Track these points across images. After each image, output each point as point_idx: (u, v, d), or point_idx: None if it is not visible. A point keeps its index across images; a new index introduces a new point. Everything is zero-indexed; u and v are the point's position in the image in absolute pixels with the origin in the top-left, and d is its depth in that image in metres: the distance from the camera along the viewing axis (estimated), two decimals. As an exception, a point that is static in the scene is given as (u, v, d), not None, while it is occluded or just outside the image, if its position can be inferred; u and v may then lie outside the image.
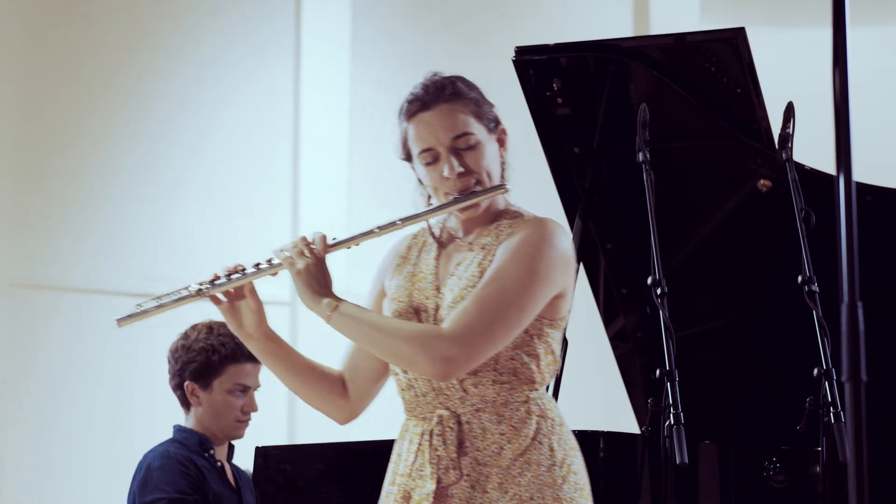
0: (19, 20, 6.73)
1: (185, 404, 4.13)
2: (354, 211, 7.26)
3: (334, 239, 2.71)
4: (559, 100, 3.97)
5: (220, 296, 2.79)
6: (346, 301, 2.67)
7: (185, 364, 4.07)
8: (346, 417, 2.85)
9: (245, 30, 7.26)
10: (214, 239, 7.03)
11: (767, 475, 3.62)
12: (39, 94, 6.79)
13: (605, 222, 4.11)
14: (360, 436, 4.21)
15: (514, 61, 3.93)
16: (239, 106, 7.21)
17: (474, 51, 7.15)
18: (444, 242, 2.80)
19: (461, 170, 2.68)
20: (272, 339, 2.80)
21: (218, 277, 2.77)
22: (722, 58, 3.85)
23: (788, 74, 6.25)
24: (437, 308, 2.69)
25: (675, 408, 3.11)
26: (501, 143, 2.77)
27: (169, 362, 4.13)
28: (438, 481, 2.61)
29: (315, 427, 6.86)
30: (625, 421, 4.53)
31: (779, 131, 3.68)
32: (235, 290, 2.78)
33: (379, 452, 3.78)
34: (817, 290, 3.36)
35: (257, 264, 2.74)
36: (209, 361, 4.05)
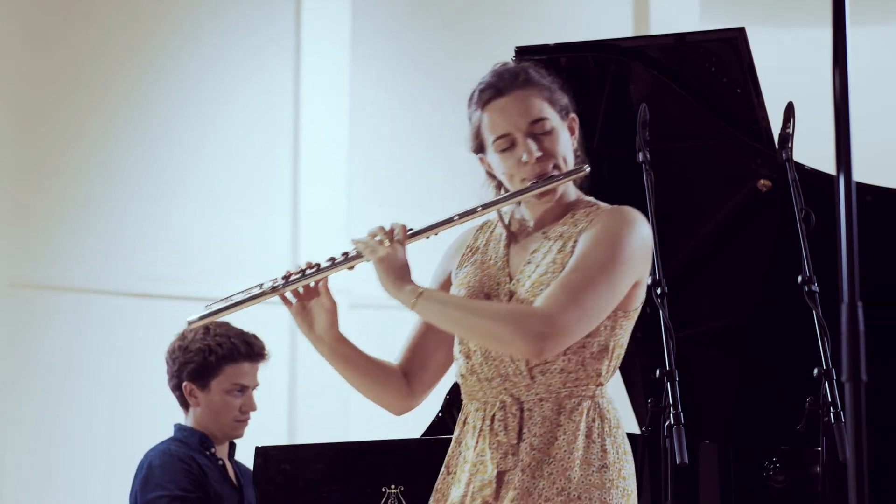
0: (19, 20, 6.73)
1: (184, 404, 4.13)
2: (354, 211, 7.26)
3: (411, 229, 2.68)
4: (559, 100, 3.96)
5: (290, 297, 2.72)
6: (428, 288, 2.66)
7: (183, 365, 4.08)
8: (404, 410, 2.82)
9: (245, 30, 7.26)
10: (214, 239, 7.03)
11: (767, 475, 3.63)
12: (39, 94, 6.79)
13: (605, 222, 4.11)
14: (360, 436, 4.22)
15: (513, 61, 3.93)
16: (239, 106, 7.21)
17: (474, 51, 7.14)
18: (514, 233, 2.77)
19: (539, 154, 2.66)
20: (342, 341, 2.75)
21: (291, 274, 2.70)
22: (722, 58, 3.86)
23: (788, 74, 6.25)
24: (510, 295, 2.66)
25: (675, 408, 3.12)
26: (572, 131, 2.75)
27: (167, 363, 4.14)
28: (497, 466, 2.59)
29: (315, 427, 6.89)
30: (625, 421, 4.52)
31: (779, 131, 3.68)
32: (306, 289, 2.71)
33: (379, 452, 3.79)
34: (817, 290, 3.36)
35: (332, 258, 2.69)
36: (206, 362, 4.06)
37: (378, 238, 2.65)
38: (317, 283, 2.72)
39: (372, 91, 7.40)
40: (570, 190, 2.75)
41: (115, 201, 6.89)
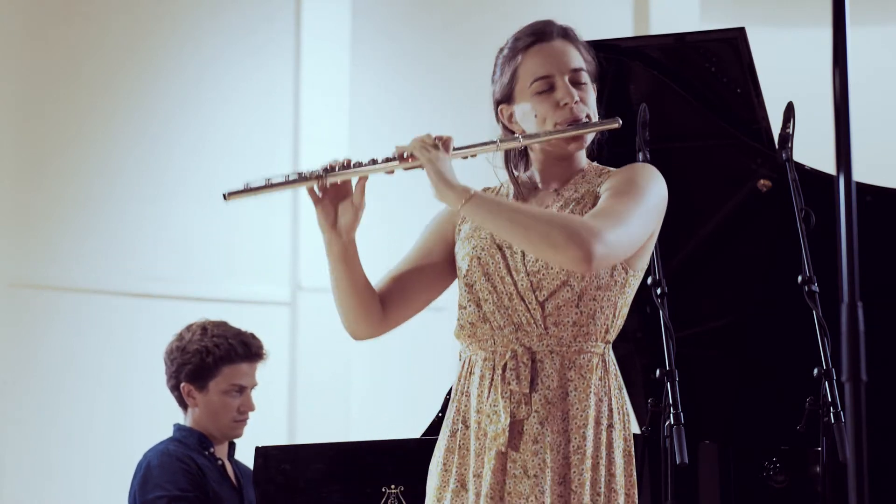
0: (19, 20, 6.73)
1: (183, 405, 4.13)
2: (354, 211, 7.25)
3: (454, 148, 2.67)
4: (559, 100, 3.96)
5: (317, 190, 2.68)
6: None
7: (181, 366, 4.08)
8: (367, 335, 2.78)
9: (245, 30, 7.25)
10: (214, 239, 7.03)
11: (767, 475, 3.62)
12: (39, 94, 6.79)
13: (605, 222, 4.11)
14: (360, 436, 4.22)
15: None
16: (239, 106, 7.21)
17: (474, 51, 7.12)
18: (524, 193, 2.79)
19: (577, 100, 2.72)
20: (354, 244, 2.72)
21: (333, 167, 2.67)
22: (722, 58, 3.86)
23: (788, 74, 6.25)
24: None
25: (675, 408, 3.12)
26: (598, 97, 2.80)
27: (165, 364, 4.14)
28: (511, 416, 2.60)
29: (315, 427, 6.88)
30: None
31: (779, 131, 3.68)
32: (335, 188, 2.69)
33: (379, 452, 3.79)
34: (817, 290, 3.36)
35: (373, 159, 2.68)
36: (204, 363, 4.06)
37: (428, 141, 2.65)
38: (354, 180, 2.69)
39: (372, 91, 7.40)
40: (581, 158, 2.79)
41: (115, 201, 6.89)
